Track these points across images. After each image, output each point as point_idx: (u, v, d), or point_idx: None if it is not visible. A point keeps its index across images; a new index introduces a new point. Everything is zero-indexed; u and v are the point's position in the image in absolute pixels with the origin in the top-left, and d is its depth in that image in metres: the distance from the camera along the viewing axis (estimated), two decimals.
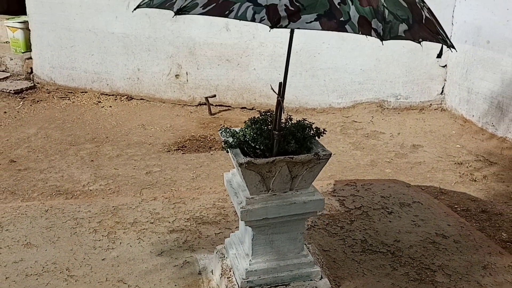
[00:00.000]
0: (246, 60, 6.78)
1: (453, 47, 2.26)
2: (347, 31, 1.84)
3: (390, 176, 5.02)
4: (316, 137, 2.76)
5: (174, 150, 5.59)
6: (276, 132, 2.60)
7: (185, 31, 6.81)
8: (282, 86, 2.64)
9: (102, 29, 7.00)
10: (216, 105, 6.93)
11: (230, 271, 2.90)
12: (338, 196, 4.15)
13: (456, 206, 4.39)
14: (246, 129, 2.70)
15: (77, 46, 7.15)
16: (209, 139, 5.92)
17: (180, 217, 3.78)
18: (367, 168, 5.20)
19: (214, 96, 6.85)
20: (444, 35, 2.23)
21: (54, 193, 4.46)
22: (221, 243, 3.36)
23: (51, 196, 4.38)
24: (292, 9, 1.81)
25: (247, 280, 2.73)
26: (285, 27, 1.84)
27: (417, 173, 5.10)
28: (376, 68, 6.54)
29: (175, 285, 3.01)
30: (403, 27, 1.98)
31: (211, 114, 6.76)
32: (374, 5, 1.91)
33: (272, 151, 2.61)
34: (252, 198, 2.61)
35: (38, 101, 6.96)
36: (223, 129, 2.81)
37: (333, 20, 1.82)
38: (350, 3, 1.87)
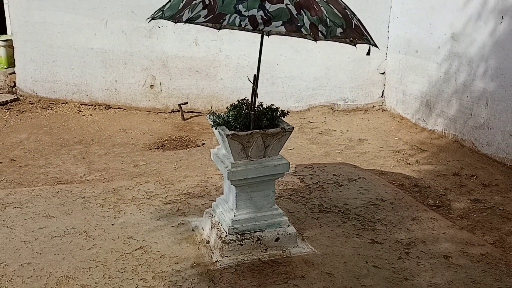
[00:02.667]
0: (214, 71, 7.68)
1: (376, 46, 3.17)
2: (302, 32, 2.77)
3: (340, 161, 6.00)
4: (282, 117, 3.66)
5: (155, 148, 6.39)
6: (252, 113, 3.50)
7: (159, 46, 7.65)
8: (255, 78, 3.53)
9: (82, 45, 7.74)
10: (187, 112, 7.76)
11: (218, 224, 3.75)
12: (299, 175, 5.08)
13: (393, 182, 5.40)
14: (228, 112, 3.58)
15: (58, 61, 7.85)
16: (184, 139, 6.75)
17: (171, 194, 4.59)
18: (321, 158, 6.16)
19: (186, 103, 7.69)
20: (369, 37, 3.17)
21: (56, 182, 5.17)
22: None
23: (54, 185, 5.08)
24: (266, 18, 2.72)
25: (233, 227, 3.58)
26: (262, 30, 2.74)
27: (363, 160, 6.10)
28: (327, 76, 7.59)
29: (174, 238, 3.81)
30: (339, 30, 2.92)
31: (184, 119, 7.59)
32: (319, 15, 2.85)
33: (249, 127, 3.50)
34: (235, 163, 3.48)
35: (23, 111, 7.59)
36: (210, 113, 3.68)
37: (293, 25, 2.74)
38: (304, 14, 2.80)
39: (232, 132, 3.35)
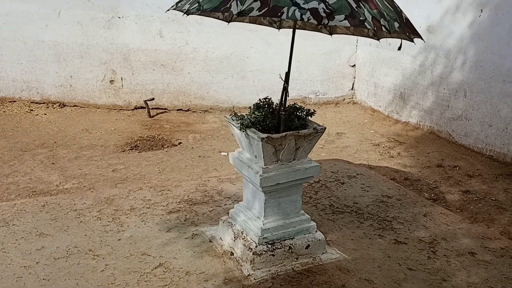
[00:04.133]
0: (181, 65, 7.27)
1: (423, 39, 3.02)
2: (366, 27, 2.55)
3: (322, 155, 5.88)
4: (309, 116, 3.44)
5: (129, 149, 5.91)
6: (283, 113, 3.25)
7: (119, 38, 7.11)
8: (286, 75, 3.28)
9: (32, 37, 7.00)
10: (152, 108, 7.30)
11: (242, 233, 3.47)
12: None
13: (386, 177, 5.37)
14: (254, 113, 3.31)
15: (4, 55, 7.05)
16: (158, 139, 6.32)
17: (171, 201, 4.23)
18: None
19: (153, 99, 7.23)
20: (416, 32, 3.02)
21: (30, 193, 4.60)
22: (217, 218, 3.91)
23: (29, 196, 4.52)
24: (328, 11, 2.48)
25: (263, 237, 3.33)
26: (326, 24, 2.50)
27: (347, 155, 6.03)
28: (298, 69, 7.44)
29: (194, 252, 3.49)
30: (396, 24, 2.75)
31: (150, 116, 7.13)
32: (378, 8, 2.65)
33: (279, 128, 3.25)
34: (266, 167, 3.22)
35: None
36: (232, 115, 3.38)
37: (355, 19, 2.52)
38: (363, 7, 2.59)
39: (267, 135, 3.08)
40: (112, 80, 7.27)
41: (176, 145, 6.14)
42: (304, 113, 3.45)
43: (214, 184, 4.62)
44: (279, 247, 3.36)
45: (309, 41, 7.30)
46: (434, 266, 3.50)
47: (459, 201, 4.95)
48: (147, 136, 6.39)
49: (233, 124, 3.37)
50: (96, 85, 7.27)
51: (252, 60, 7.35)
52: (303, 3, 2.47)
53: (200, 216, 3.99)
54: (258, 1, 2.49)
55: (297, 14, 2.45)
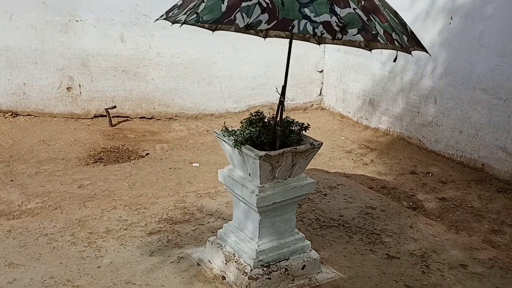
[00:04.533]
0: (144, 71, 6.94)
1: (427, 52, 2.92)
2: (379, 41, 2.42)
3: None
4: (304, 131, 3.28)
5: (93, 162, 5.55)
6: (279, 128, 3.07)
7: (77, 43, 6.69)
8: (283, 88, 3.10)
9: None
10: (114, 116, 6.92)
11: (234, 255, 3.26)
12: None
13: (365, 186, 5.30)
14: (247, 128, 3.10)
15: None
16: (123, 150, 5.98)
17: (149, 221, 3.95)
18: None
19: (114, 107, 6.85)
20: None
21: None
22: (202, 238, 3.69)
23: None
24: (341, 25, 2.32)
25: (258, 259, 3.14)
26: (340, 39, 2.34)
27: (321, 163, 5.93)
28: (266, 75, 7.28)
29: (182, 277, 3.25)
30: (405, 38, 2.63)
31: (112, 125, 6.76)
32: (388, 21, 2.53)
33: (274, 144, 3.07)
34: (262, 186, 3.03)
35: None
36: (224, 130, 3.17)
37: (368, 33, 2.38)
38: (374, 20, 2.46)
39: (265, 152, 2.89)
40: (70, 87, 6.83)
41: (144, 157, 5.82)
42: (298, 127, 3.27)
43: (193, 199, 4.38)
44: (275, 269, 3.18)
45: (277, 46, 7.15)
46: (430, 281, 3.43)
47: (437, 209, 4.94)
48: (111, 147, 6.03)
49: (224, 141, 3.16)
50: (52, 92, 6.81)
51: (219, 66, 7.12)
52: (314, 16, 2.31)
53: (183, 237, 3.75)
54: (266, 13, 2.30)
55: (309, 27, 2.28)
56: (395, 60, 3.16)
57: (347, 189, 4.82)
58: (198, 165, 5.61)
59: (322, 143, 3.22)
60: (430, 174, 5.74)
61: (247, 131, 3.06)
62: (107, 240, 3.61)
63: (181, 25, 2.55)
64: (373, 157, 6.17)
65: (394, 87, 6.49)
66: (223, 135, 3.16)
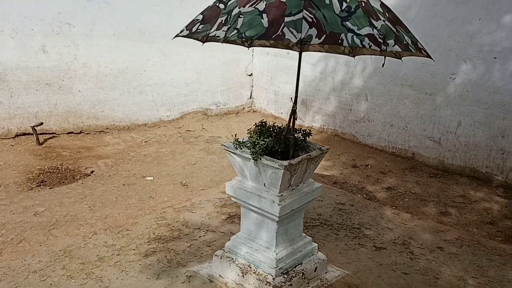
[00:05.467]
0: (69, 83, 6.47)
1: (431, 58, 3.07)
2: (411, 51, 2.59)
3: None
4: (307, 137, 3.38)
5: (36, 186, 5.07)
6: (292, 137, 3.14)
7: None
8: (295, 98, 3.16)
9: None
10: (38, 134, 6.37)
11: (250, 267, 3.26)
12: None
13: (323, 183, 5.54)
14: (255, 139, 3.12)
15: None
16: (63, 169, 5.54)
17: (138, 242, 3.77)
18: (232, 168, 5.88)
19: (41, 123, 6.30)
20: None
21: None
22: (200, 253, 3.63)
23: None
24: (382, 37, 2.46)
25: (278, 267, 3.18)
26: (385, 50, 2.47)
27: None
28: (198, 81, 7.22)
29: None
30: (420, 45, 2.85)
31: (39, 144, 6.21)
32: (410, 32, 2.72)
33: (287, 153, 3.13)
34: (281, 195, 3.08)
35: None
36: (236, 143, 3.15)
37: (402, 44, 2.55)
38: (400, 31, 2.64)
39: (288, 162, 2.95)
40: None
41: (89, 175, 5.46)
42: (301, 134, 3.37)
43: (173, 215, 4.25)
44: (293, 275, 3.25)
45: (208, 51, 7.16)
46: (421, 266, 3.75)
47: (388, 198, 5.36)
48: (49, 168, 5.55)
49: (236, 153, 3.14)
50: None
51: (150, 73, 6.90)
52: (357, 29, 2.42)
53: (182, 254, 3.64)
54: (314, 28, 2.36)
55: (357, 40, 2.39)
56: (383, 65, 3.40)
57: None
58: (152, 178, 5.42)
59: (329, 147, 3.35)
60: (369, 166, 6.18)
61: (262, 142, 3.09)
62: (105, 269, 3.38)
63: (223, 41, 2.50)
64: None
65: (326, 87, 6.85)
66: (236, 148, 3.14)
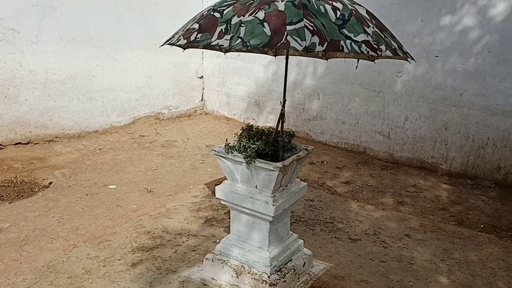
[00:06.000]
0: (15, 91, 6.16)
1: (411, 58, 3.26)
2: (399, 55, 2.79)
3: (215, 172, 5.88)
4: (291, 138, 3.51)
5: None
6: (281, 139, 3.26)
7: None
8: (283, 102, 3.27)
9: None
10: None
11: (244, 267, 3.35)
12: None
13: None
14: (246, 143, 3.20)
15: None
16: (19, 182, 5.29)
17: (122, 252, 3.72)
18: (194, 171, 5.89)
19: None
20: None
21: None
22: (187, 259, 3.67)
23: None
24: (375, 43, 2.63)
25: (272, 266, 3.29)
26: (380, 55, 2.64)
27: None
28: (149, 85, 7.13)
29: None
30: (404, 49, 3.04)
31: None
32: (395, 37, 2.92)
33: (275, 155, 3.24)
34: (274, 196, 3.19)
35: None
36: (227, 147, 3.21)
37: (392, 48, 2.74)
38: (389, 39, 2.83)
39: (282, 163, 3.06)
40: None
41: (48, 186, 5.25)
42: (285, 136, 3.48)
43: (150, 222, 4.22)
44: (286, 272, 3.37)
45: (158, 55, 7.09)
46: (395, 253, 4.01)
47: (348, 192, 5.63)
48: (2, 182, 5.27)
49: (226, 158, 3.21)
50: None
51: (99, 79, 6.72)
52: (354, 36, 2.58)
53: (169, 261, 3.64)
54: (316, 36, 2.48)
55: (355, 47, 2.54)
56: (356, 67, 3.62)
57: None
58: (115, 186, 5.31)
59: (313, 148, 3.50)
60: (325, 163, 6.44)
61: (253, 146, 3.17)
62: (94, 281, 3.32)
63: (227, 52, 2.56)
64: None
65: (278, 88, 7.03)
66: (226, 153, 3.20)
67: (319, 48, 2.46)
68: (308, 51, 2.46)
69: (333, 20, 2.60)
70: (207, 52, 7.52)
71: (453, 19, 5.74)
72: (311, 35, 2.48)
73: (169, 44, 2.90)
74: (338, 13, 2.65)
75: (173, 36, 2.97)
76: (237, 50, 3.22)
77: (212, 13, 2.77)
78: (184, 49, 3.00)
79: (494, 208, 5.31)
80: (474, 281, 3.68)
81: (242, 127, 3.42)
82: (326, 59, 3.77)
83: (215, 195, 4.87)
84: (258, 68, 7.12)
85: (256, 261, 3.31)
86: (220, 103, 7.66)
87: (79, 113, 6.66)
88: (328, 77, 6.62)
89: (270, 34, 2.49)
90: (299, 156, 3.25)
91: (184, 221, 4.28)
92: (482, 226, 4.86)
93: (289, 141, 3.44)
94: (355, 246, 4.07)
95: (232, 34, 2.56)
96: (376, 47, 2.62)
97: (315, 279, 3.53)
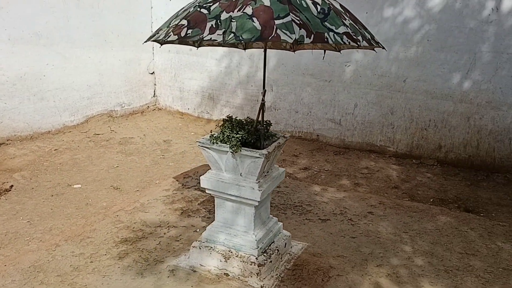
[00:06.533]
0: None
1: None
2: (373, 45, 3.02)
3: (177, 166, 5.96)
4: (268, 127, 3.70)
5: None
6: (262, 128, 3.45)
7: None
8: (264, 92, 3.46)
9: None
10: None
11: (231, 252, 3.52)
12: (192, 186, 4.94)
13: None
14: (233, 132, 3.37)
15: None
16: None
17: (106, 247, 3.77)
18: (157, 166, 5.94)
19: None
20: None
21: None
22: (172, 248, 3.79)
23: None
24: (354, 34, 2.87)
25: (258, 248, 3.48)
26: (360, 46, 2.88)
27: (191, 160, 6.25)
28: (101, 82, 7.04)
29: (191, 286, 3.35)
30: (376, 39, 3.30)
31: None
32: (367, 29, 3.18)
33: (261, 142, 3.43)
34: (258, 181, 3.38)
35: None
36: (212, 138, 3.36)
37: (366, 39, 2.99)
38: (363, 30, 3.07)
39: (266, 151, 3.26)
40: None
41: (10, 190, 5.12)
42: (265, 124, 3.68)
43: (127, 217, 4.27)
44: (271, 252, 3.57)
45: (109, 52, 7.03)
46: (362, 229, 4.34)
47: (308, 177, 5.93)
48: None
49: (212, 148, 3.36)
50: None
51: (50, 78, 6.57)
52: (336, 28, 2.81)
53: (155, 252, 3.74)
54: (303, 29, 2.69)
55: (338, 38, 2.77)
56: (323, 58, 3.86)
57: None
58: (80, 186, 5.27)
59: (290, 135, 3.72)
60: (282, 151, 6.70)
61: (238, 136, 3.34)
62: (85, 277, 3.36)
63: (223, 44, 2.69)
64: None
65: (232, 81, 7.19)
66: (212, 143, 3.35)
67: (307, 41, 2.66)
68: (298, 43, 2.65)
69: (315, 14, 2.82)
70: (158, 47, 7.53)
71: (395, 11, 6.17)
72: (298, 28, 2.68)
73: (155, 41, 2.99)
74: (319, 7, 2.87)
75: (157, 33, 3.07)
76: (232, 46, 3.35)
77: (198, 9, 2.89)
78: (161, 44, 3.08)
79: (439, 183, 5.81)
80: (435, 248, 4.07)
81: (223, 118, 3.57)
82: (294, 51, 3.99)
83: (185, 187, 5.00)
84: (211, 62, 7.24)
85: (243, 244, 3.49)
86: (173, 98, 7.71)
87: (30, 114, 6.47)
88: (280, 69, 6.88)
89: (260, 29, 2.67)
90: (279, 143, 3.46)
91: (161, 214, 4.37)
92: (431, 200, 5.32)
93: (267, 129, 3.64)
94: (326, 226, 4.36)
95: (224, 29, 2.70)
96: (355, 38, 2.87)
97: (296, 257, 3.77)
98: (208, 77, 7.34)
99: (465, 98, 6.15)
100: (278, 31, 2.65)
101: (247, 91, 7.16)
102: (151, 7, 7.45)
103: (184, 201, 4.68)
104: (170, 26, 3.00)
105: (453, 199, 5.37)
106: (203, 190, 4.90)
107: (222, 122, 3.57)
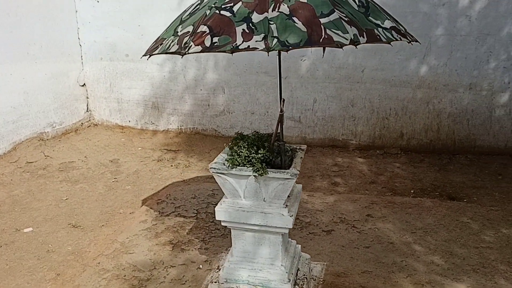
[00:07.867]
0: None
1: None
2: (408, 39, 2.63)
3: (136, 189, 5.26)
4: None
5: None
6: (282, 143, 2.99)
7: None
8: (282, 102, 2.99)
9: None
10: None
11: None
12: (176, 212, 4.34)
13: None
14: (252, 151, 2.88)
15: None
16: None
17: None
18: (113, 192, 5.20)
19: None
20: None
21: None
22: (168, 273, 3.23)
23: None
24: (398, 28, 2.49)
25: (290, 281, 3.03)
26: (412, 40, 2.49)
27: (149, 179, 5.58)
28: (27, 102, 6.06)
29: None
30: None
31: None
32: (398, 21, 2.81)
33: (281, 159, 2.97)
34: (286, 206, 2.92)
35: None
36: (229, 162, 2.84)
37: (401, 33, 2.61)
38: (398, 22, 2.67)
39: (297, 170, 2.81)
40: None
41: None
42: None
43: (111, 264, 3.59)
44: (302, 283, 3.14)
45: (32, 66, 6.07)
46: (372, 236, 4.05)
47: None
48: None
49: (231, 174, 2.84)
50: None
51: None
52: (381, 23, 2.42)
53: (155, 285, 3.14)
54: (353, 27, 2.27)
55: (388, 34, 2.39)
56: (323, 56, 3.50)
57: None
58: (31, 229, 4.43)
59: (306, 146, 3.32)
60: None
61: (259, 155, 2.85)
62: None
63: (269, 52, 2.17)
64: (185, 158, 6.18)
65: (178, 87, 6.56)
66: (228, 168, 2.83)
67: (362, 40, 2.26)
68: (355, 45, 2.23)
69: (356, 8, 2.41)
70: (89, 55, 6.66)
71: None
72: (349, 26, 2.25)
73: (166, 53, 2.40)
74: (357, 0, 2.46)
75: (161, 44, 2.48)
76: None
77: (217, 11, 2.35)
78: (182, 55, 2.49)
79: (410, 172, 5.72)
80: (450, 246, 3.89)
81: (234, 136, 3.05)
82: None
83: (163, 215, 4.38)
84: (152, 67, 6.55)
85: (271, 280, 3.02)
86: (111, 111, 6.89)
87: None
88: (231, 69, 6.38)
89: (306, 30, 2.20)
90: (302, 158, 3.02)
91: (149, 253, 3.74)
92: (412, 191, 5.19)
93: (284, 143, 3.18)
94: (333, 238, 4.00)
95: (263, 34, 2.20)
96: (403, 32, 2.50)
97: (321, 282, 3.37)
98: (150, 84, 6.63)
99: (423, 84, 6.11)
100: (328, 31, 2.21)
101: (196, 96, 6.57)
102: (76, 11, 6.54)
103: (170, 232, 4.07)
104: (178, 34, 2.42)
105: (432, 188, 5.28)
106: (184, 215, 4.35)
107: (232, 141, 3.04)
